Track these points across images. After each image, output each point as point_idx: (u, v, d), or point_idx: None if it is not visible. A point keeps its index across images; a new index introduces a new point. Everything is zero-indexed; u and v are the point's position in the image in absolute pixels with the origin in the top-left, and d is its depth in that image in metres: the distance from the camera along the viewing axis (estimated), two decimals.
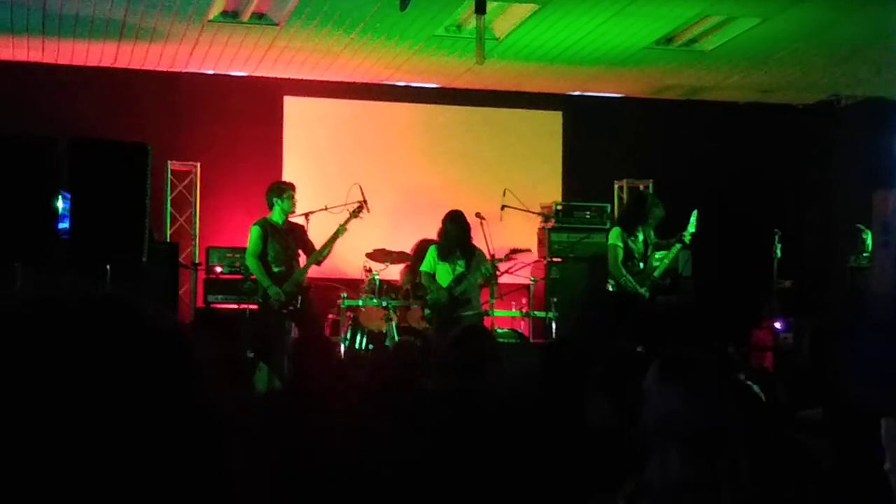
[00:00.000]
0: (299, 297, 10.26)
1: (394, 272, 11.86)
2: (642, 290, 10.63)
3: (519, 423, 4.32)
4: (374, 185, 11.09)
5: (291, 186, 10.46)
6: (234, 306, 11.44)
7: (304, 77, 13.05)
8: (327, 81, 13.16)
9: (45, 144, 9.90)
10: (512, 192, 11.89)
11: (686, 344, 9.57)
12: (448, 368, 5.30)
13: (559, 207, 13.00)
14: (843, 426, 4.92)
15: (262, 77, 13.02)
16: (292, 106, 13.41)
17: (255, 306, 10.90)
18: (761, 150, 14.02)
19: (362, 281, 11.58)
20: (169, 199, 12.63)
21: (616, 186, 13.91)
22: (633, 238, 10.72)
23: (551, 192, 13.65)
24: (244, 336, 8.61)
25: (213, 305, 11.73)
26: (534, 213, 12.49)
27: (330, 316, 11.47)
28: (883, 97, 13.41)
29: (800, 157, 14.02)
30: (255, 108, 13.19)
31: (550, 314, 11.48)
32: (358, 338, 11.12)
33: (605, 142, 13.80)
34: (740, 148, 13.99)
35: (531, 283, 11.93)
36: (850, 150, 13.80)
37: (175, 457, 0.98)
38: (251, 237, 10.32)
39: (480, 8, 9.24)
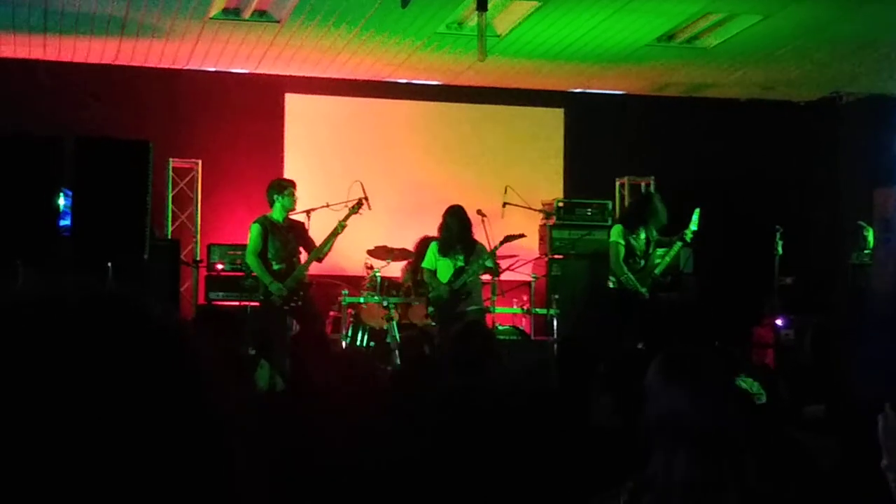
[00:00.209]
0: (301, 294, 10.26)
1: (395, 269, 11.86)
2: (643, 289, 10.62)
3: (520, 420, 4.32)
4: (375, 182, 11.09)
5: (292, 184, 10.45)
6: (236, 303, 11.44)
7: (306, 74, 13.04)
8: (329, 78, 13.16)
9: (46, 142, 9.91)
10: (513, 189, 11.88)
11: (688, 341, 9.57)
12: (449, 365, 5.30)
13: (560, 204, 13.00)
14: (846, 423, 4.92)
15: (263, 74, 13.02)
16: (294, 103, 13.41)
17: (256, 303, 10.91)
18: (763, 147, 14.02)
19: (364, 278, 11.58)
20: (170, 196, 12.63)
21: (617, 183, 13.91)
22: (634, 236, 10.72)
23: (553, 189, 13.65)
24: (246, 333, 8.62)
25: (214, 302, 11.73)
26: (535, 210, 12.49)
27: (331, 313, 11.47)
28: (885, 94, 13.41)
29: (801, 154, 14.01)
30: (256, 105, 13.18)
31: (552, 311, 11.47)
32: (359, 335, 11.12)
33: (607, 139, 13.80)
34: (742, 145, 13.98)
35: (532, 280, 11.92)
36: (852, 147, 13.80)
37: (177, 455, 0.97)
38: (251, 235, 10.32)
39: (482, 5, 9.24)
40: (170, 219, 12.60)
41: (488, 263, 10.49)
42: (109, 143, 10.31)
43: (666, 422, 2.85)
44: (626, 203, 13.76)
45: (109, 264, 9.59)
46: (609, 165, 13.74)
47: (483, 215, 10.75)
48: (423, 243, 11.17)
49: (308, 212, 10.62)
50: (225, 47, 11.84)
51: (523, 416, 4.22)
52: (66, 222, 9.91)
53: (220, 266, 11.98)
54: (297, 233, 10.40)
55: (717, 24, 11.12)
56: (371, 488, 3.65)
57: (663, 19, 10.75)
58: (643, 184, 13.83)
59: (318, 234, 10.46)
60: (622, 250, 10.65)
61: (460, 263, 10.47)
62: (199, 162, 12.78)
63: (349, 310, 11.21)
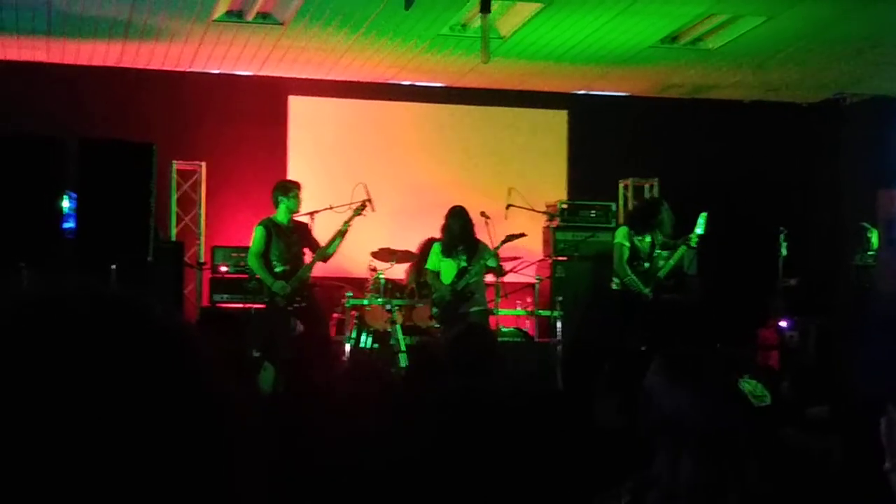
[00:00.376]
0: (305, 295, 10.25)
1: (399, 271, 11.86)
2: (646, 291, 10.62)
3: (524, 421, 4.32)
4: (378, 184, 11.09)
5: (297, 185, 10.45)
6: (240, 306, 11.45)
7: (309, 76, 13.05)
8: (332, 81, 13.16)
9: (50, 144, 9.92)
10: (517, 190, 11.88)
11: (691, 342, 9.57)
12: (449, 367, 5.30)
13: (564, 206, 12.99)
14: (850, 424, 4.91)
15: (267, 76, 13.02)
16: (297, 105, 13.41)
17: (260, 306, 10.91)
18: (766, 149, 14.01)
19: (367, 280, 11.58)
20: (174, 198, 12.63)
21: (621, 185, 13.90)
22: (639, 238, 10.71)
23: (556, 190, 13.65)
24: (250, 335, 8.62)
25: (218, 305, 11.73)
26: (539, 211, 12.48)
27: (335, 315, 11.47)
28: (888, 95, 13.40)
29: (805, 155, 14.00)
30: (259, 107, 13.19)
31: (555, 313, 11.46)
32: (363, 337, 11.12)
33: (611, 140, 13.79)
34: (745, 146, 13.98)
35: (536, 281, 11.92)
36: (856, 149, 13.80)
37: (179, 456, 0.98)
38: (254, 237, 10.32)
39: (485, 7, 9.24)
40: (173, 221, 12.61)
41: (490, 263, 10.48)
42: (113, 146, 10.32)
43: (668, 424, 2.84)
44: (630, 205, 13.76)
45: (113, 267, 9.59)
46: (613, 167, 13.73)
47: (487, 217, 10.75)
48: (427, 245, 11.18)
49: (312, 214, 10.63)
50: (228, 49, 11.85)
51: (527, 418, 4.22)
52: (69, 224, 9.92)
53: (223, 268, 11.98)
54: (302, 234, 10.40)
55: (720, 26, 11.12)
56: (372, 490, 3.65)
57: (667, 21, 10.75)
58: (647, 185, 13.83)
59: (321, 236, 10.46)
60: (626, 252, 10.65)
61: (463, 264, 10.47)
62: (203, 164, 12.78)
63: (353, 312, 11.20)
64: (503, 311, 11.31)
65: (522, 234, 10.74)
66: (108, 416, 0.95)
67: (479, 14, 9.38)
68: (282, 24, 10.88)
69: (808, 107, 14.34)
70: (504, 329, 11.31)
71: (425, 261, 10.86)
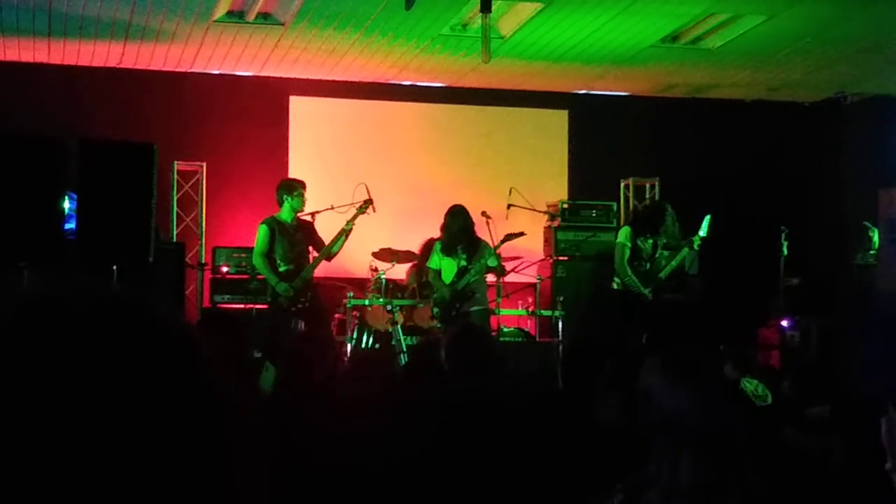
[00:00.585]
0: (308, 295, 10.25)
1: (400, 271, 11.86)
2: (646, 291, 10.62)
3: (524, 420, 4.32)
4: (379, 184, 11.09)
5: (302, 184, 10.44)
6: (241, 306, 11.45)
7: (310, 77, 13.05)
8: (333, 81, 13.17)
9: (51, 145, 9.92)
10: (518, 190, 11.88)
11: (692, 342, 9.57)
12: (448, 367, 5.30)
13: (565, 206, 12.99)
14: (851, 424, 4.91)
15: (267, 77, 13.02)
16: (298, 106, 13.42)
17: (261, 306, 10.90)
18: (767, 148, 14.01)
19: (368, 280, 11.58)
20: (175, 199, 12.64)
21: (622, 185, 13.91)
22: (642, 239, 10.70)
23: (557, 190, 13.65)
24: (251, 336, 8.61)
25: (219, 305, 11.74)
26: (540, 211, 12.49)
27: (336, 315, 11.47)
28: (889, 94, 13.40)
29: (806, 154, 14.00)
30: (260, 108, 13.20)
31: (556, 313, 11.46)
32: (364, 337, 11.12)
33: (611, 140, 13.80)
34: (746, 146, 13.98)
35: (537, 281, 11.92)
36: (857, 148, 13.79)
37: (182, 455, 0.98)
38: (258, 236, 10.32)
39: (486, 7, 9.24)
40: (174, 222, 12.61)
41: (491, 262, 10.46)
42: (114, 146, 10.32)
43: (667, 423, 2.84)
44: (631, 204, 13.77)
45: (114, 267, 9.59)
46: (613, 167, 13.74)
47: (488, 217, 10.75)
48: (428, 245, 11.18)
49: (313, 214, 10.63)
50: (229, 50, 11.85)
51: (526, 417, 4.22)
52: (70, 225, 9.92)
53: (225, 269, 11.99)
54: (306, 233, 10.39)
55: (721, 25, 11.12)
56: (372, 490, 3.65)
57: (667, 20, 10.75)
58: (647, 185, 13.84)
59: (323, 236, 10.46)
60: (627, 252, 10.65)
61: (463, 263, 10.46)
62: (204, 165, 12.79)
63: (354, 312, 11.20)
64: (504, 311, 11.31)
65: (521, 234, 10.73)
66: (110, 415, 0.95)
67: (480, 14, 9.38)
68: (282, 24, 10.88)
69: (808, 106, 14.33)
70: (505, 329, 11.31)
71: (427, 260, 10.86)
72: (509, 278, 11.29)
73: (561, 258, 12.71)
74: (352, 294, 11.21)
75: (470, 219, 10.53)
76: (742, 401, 5.03)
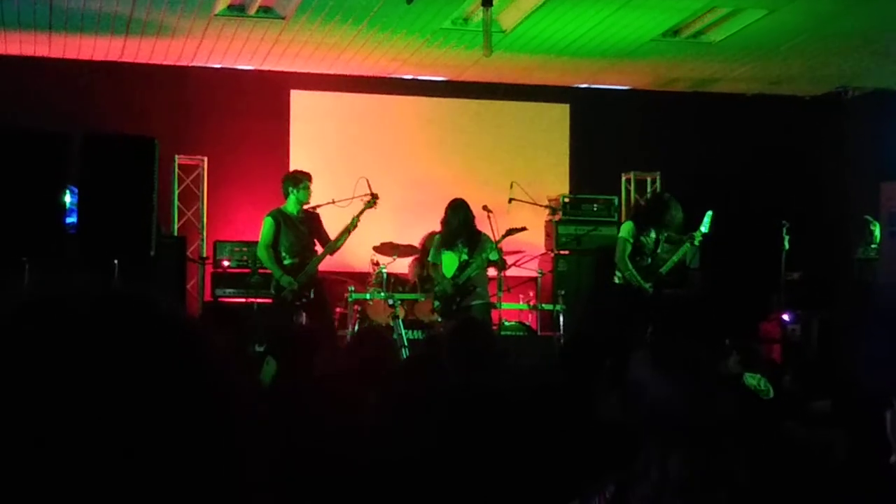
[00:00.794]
0: (312, 289, 10.24)
1: (401, 265, 11.86)
2: (646, 285, 10.61)
3: (524, 415, 4.32)
4: (381, 178, 11.09)
5: (308, 176, 10.40)
6: (242, 300, 11.45)
7: (311, 71, 13.04)
8: (334, 75, 13.16)
9: (51, 139, 9.92)
10: (519, 184, 11.88)
11: (694, 337, 9.56)
12: (448, 361, 5.30)
13: (566, 200, 12.99)
14: (852, 418, 4.92)
15: (268, 71, 13.02)
16: (299, 100, 13.41)
17: (262, 300, 10.89)
18: (769, 142, 13.99)
19: (370, 274, 11.58)
20: (176, 193, 12.64)
21: (623, 179, 13.90)
22: (644, 234, 10.68)
23: (558, 184, 13.64)
24: (252, 330, 8.61)
25: (220, 299, 11.74)
26: (541, 205, 12.48)
27: (338, 309, 11.47)
28: (891, 88, 13.38)
29: (807, 148, 13.99)
30: (262, 102, 13.19)
31: (558, 307, 11.46)
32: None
33: (613, 134, 13.79)
34: (748, 140, 13.96)
35: (538, 275, 11.92)
36: (858, 142, 13.79)
37: (192, 449, 0.98)
38: (263, 228, 10.31)
39: (487, 1, 9.24)
40: (176, 216, 12.61)
41: (492, 256, 10.44)
42: (115, 140, 10.32)
43: (656, 416, 2.83)
44: (633, 199, 13.77)
45: (115, 261, 9.59)
46: (615, 161, 13.73)
47: (489, 211, 10.74)
48: (429, 239, 11.18)
49: (314, 208, 10.62)
50: (230, 44, 11.85)
51: (527, 412, 4.22)
52: (72, 219, 9.92)
53: (226, 263, 11.98)
54: (312, 225, 10.36)
55: (722, 19, 11.11)
56: (371, 484, 3.66)
57: (669, 14, 10.74)
58: (649, 179, 13.83)
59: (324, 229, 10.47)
60: (629, 247, 10.64)
61: (464, 257, 10.45)
62: (205, 159, 12.78)
63: (355, 306, 11.21)
64: (506, 305, 11.31)
65: (523, 228, 10.72)
66: (120, 412, 0.95)
67: (481, 8, 9.38)
68: (283, 18, 10.87)
69: (810, 100, 14.32)
70: (506, 323, 11.31)
71: (427, 254, 10.86)
72: (510, 272, 11.29)
73: (562, 252, 12.71)
74: (353, 288, 11.22)
75: (470, 212, 10.51)
76: (745, 395, 5.03)
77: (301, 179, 10.36)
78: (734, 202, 12.79)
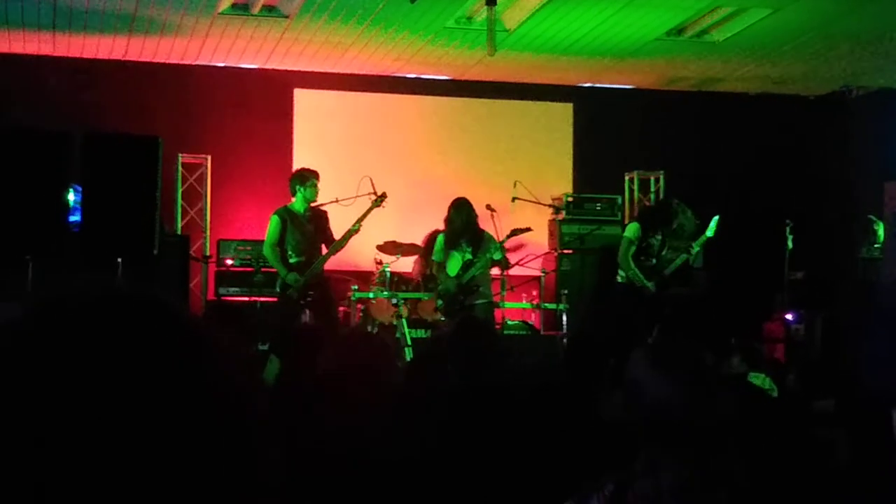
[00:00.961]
0: (317, 288, 10.21)
1: (404, 264, 11.86)
2: (649, 284, 10.60)
3: (527, 414, 4.32)
4: (384, 177, 11.08)
5: (315, 174, 10.37)
6: (245, 299, 11.45)
7: (315, 69, 13.05)
8: (337, 74, 13.16)
9: (55, 138, 9.92)
10: (522, 183, 11.88)
11: (697, 336, 9.55)
12: (451, 360, 5.30)
13: (570, 199, 12.99)
14: (856, 417, 4.91)
15: (272, 70, 13.03)
16: (303, 98, 13.41)
17: (265, 298, 10.89)
18: (772, 142, 13.99)
19: (373, 273, 11.58)
20: (180, 191, 12.64)
21: (627, 178, 13.90)
22: (650, 235, 10.66)
23: (562, 183, 13.64)
24: (255, 328, 8.61)
25: (224, 298, 11.74)
26: (544, 204, 12.48)
27: (341, 308, 11.48)
28: (894, 88, 13.37)
29: (811, 148, 13.98)
30: (265, 100, 13.19)
31: (561, 306, 11.46)
32: (369, 330, 11.11)
33: (616, 133, 13.78)
34: (751, 139, 13.96)
35: (542, 274, 11.91)
36: (862, 142, 13.77)
37: (207, 452, 0.98)
38: (269, 226, 10.29)
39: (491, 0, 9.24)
40: (179, 214, 12.62)
41: (496, 256, 10.44)
42: (119, 139, 10.32)
43: (653, 415, 2.82)
44: (636, 198, 13.76)
45: (119, 260, 9.60)
46: (618, 160, 13.73)
47: (492, 210, 10.73)
48: (433, 237, 11.17)
49: (320, 206, 10.61)
50: (234, 43, 11.85)
51: (528, 410, 4.22)
52: (75, 218, 9.92)
53: (229, 261, 11.99)
54: (319, 224, 10.33)
55: (726, 19, 11.11)
56: (373, 482, 3.66)
57: (672, 13, 10.74)
58: (652, 178, 13.83)
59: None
60: (633, 248, 10.62)
61: (468, 256, 10.45)
62: (209, 157, 12.79)
63: (358, 305, 11.21)
64: (509, 305, 11.31)
65: (528, 229, 10.72)
66: (134, 412, 0.96)
67: (485, 6, 9.38)
68: (287, 17, 10.88)
69: (814, 99, 14.31)
70: (510, 322, 11.31)
71: (431, 253, 10.85)
72: (514, 271, 11.28)
73: (565, 251, 12.71)
74: (356, 287, 11.21)
75: (473, 211, 10.50)
76: (750, 394, 5.02)
77: (308, 177, 10.34)
78: (737, 202, 12.79)
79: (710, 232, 10.70)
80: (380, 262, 11.49)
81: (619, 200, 13.26)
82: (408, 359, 9.85)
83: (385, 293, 11.11)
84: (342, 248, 10.34)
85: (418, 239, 11.80)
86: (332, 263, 10.91)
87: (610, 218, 12.92)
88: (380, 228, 11.53)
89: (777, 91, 13.98)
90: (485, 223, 10.61)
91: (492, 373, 5.11)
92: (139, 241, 9.81)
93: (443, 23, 11.04)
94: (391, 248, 11.68)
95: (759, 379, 6.11)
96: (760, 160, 13.77)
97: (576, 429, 4.10)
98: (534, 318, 12.01)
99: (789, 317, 11.71)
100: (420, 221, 12.10)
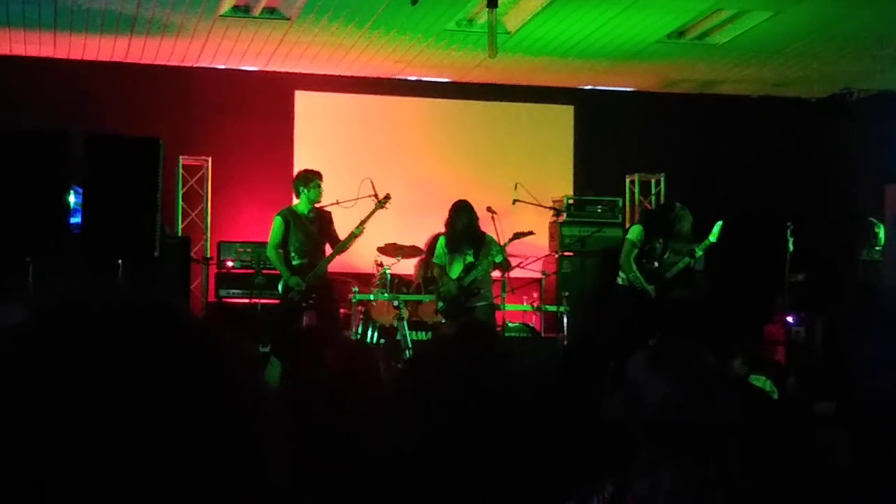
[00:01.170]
0: (319, 290, 10.20)
1: (405, 266, 11.86)
2: (649, 288, 10.60)
3: (527, 416, 4.32)
4: (385, 179, 11.08)
5: (318, 175, 10.36)
6: (246, 301, 11.45)
7: (316, 72, 13.05)
8: (338, 76, 13.17)
9: (56, 139, 9.93)
10: (523, 186, 11.87)
11: (698, 338, 9.56)
12: (453, 363, 5.30)
13: (571, 201, 12.99)
14: (856, 419, 4.91)
15: (273, 72, 13.03)
16: (303, 100, 13.42)
17: (266, 300, 10.88)
18: (774, 144, 13.99)
19: (374, 275, 11.58)
20: (180, 193, 12.65)
21: (627, 180, 13.90)
22: (653, 240, 10.66)
23: (563, 186, 13.64)
24: (257, 330, 8.60)
25: (224, 300, 11.74)
26: (545, 207, 12.48)
27: (342, 310, 11.48)
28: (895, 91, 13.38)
29: (812, 150, 13.98)
30: (266, 102, 13.20)
31: (562, 308, 11.46)
32: (369, 332, 11.12)
33: (617, 136, 13.78)
34: (752, 141, 13.96)
35: (542, 277, 11.91)
36: (863, 144, 13.77)
37: (215, 457, 0.98)
38: (273, 228, 10.29)
39: (492, 2, 9.24)
40: (180, 216, 12.62)
41: (497, 259, 10.43)
42: (120, 141, 10.33)
43: (652, 417, 2.82)
44: (637, 200, 13.77)
45: (119, 262, 9.60)
46: (619, 162, 13.73)
47: (493, 212, 10.72)
48: (434, 240, 11.17)
49: (321, 208, 10.62)
50: (235, 45, 11.86)
51: (529, 412, 4.22)
52: (76, 220, 9.93)
53: (230, 263, 11.99)
54: (323, 224, 10.32)
55: (727, 21, 11.11)
56: (373, 484, 3.66)
57: (673, 16, 10.74)
58: (653, 180, 13.83)
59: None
60: (635, 251, 10.62)
61: (470, 259, 10.45)
62: (210, 159, 12.79)
63: (359, 307, 11.21)
64: (509, 307, 11.30)
65: (530, 233, 10.72)
66: (146, 418, 0.96)
67: (486, 9, 9.38)
68: (288, 19, 10.88)
69: (815, 102, 14.31)
70: (510, 324, 11.31)
71: (432, 256, 10.85)
72: (514, 273, 11.28)
73: (566, 253, 12.71)
74: (357, 289, 11.21)
75: (474, 214, 10.50)
76: (753, 396, 5.02)
77: (312, 178, 10.33)
78: (738, 204, 12.78)
79: (713, 237, 10.69)
80: (380, 265, 11.49)
81: (620, 203, 13.26)
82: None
83: (386, 295, 11.10)
84: (346, 249, 10.33)
85: (419, 241, 11.80)
86: (332, 265, 10.91)
87: (611, 220, 12.92)
88: (380, 230, 11.52)
89: (778, 94, 13.98)
90: (485, 225, 10.60)
91: (492, 375, 5.11)
92: (140, 243, 9.81)
93: (444, 25, 11.05)
94: (392, 250, 11.68)
95: (759, 381, 6.12)
96: (761, 163, 13.77)
97: (576, 431, 4.11)
98: (534, 321, 12.01)
99: (790, 319, 11.71)
100: (421, 223, 12.10)
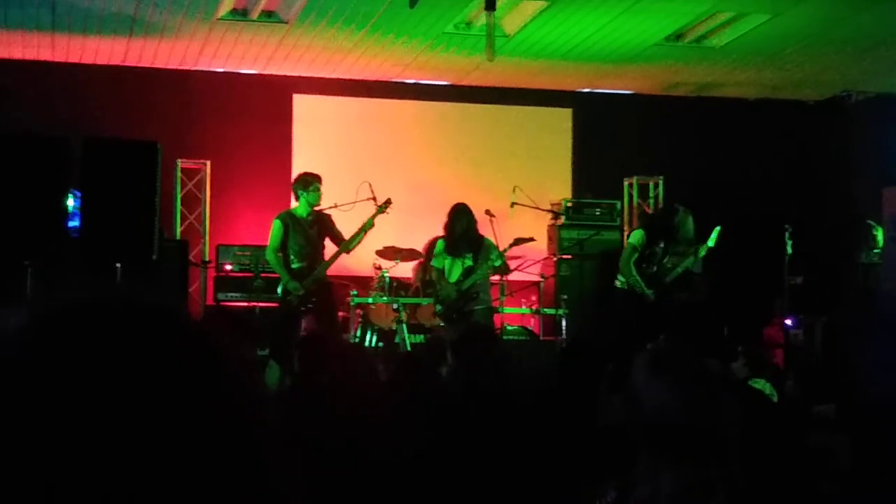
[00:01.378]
0: (319, 294, 10.18)
1: (403, 270, 11.85)
2: (648, 291, 10.59)
3: (526, 418, 4.31)
4: (383, 182, 11.08)
5: (317, 178, 10.33)
6: (245, 304, 11.45)
7: (314, 75, 13.05)
8: (337, 79, 13.16)
9: (54, 143, 9.93)
10: (522, 189, 11.87)
11: (697, 341, 9.56)
12: (453, 366, 5.30)
13: (569, 204, 12.99)
14: (856, 422, 4.91)
15: (271, 75, 13.02)
16: (302, 104, 13.41)
17: (264, 304, 10.87)
18: (772, 147, 13.99)
19: (372, 278, 11.57)
20: (179, 197, 12.64)
21: (626, 183, 13.90)
22: (654, 245, 10.65)
23: (561, 189, 13.64)
24: (254, 334, 8.60)
25: (223, 303, 11.73)
26: (543, 210, 12.47)
27: (340, 314, 11.46)
28: (894, 93, 13.38)
29: (811, 153, 13.98)
30: (264, 106, 13.19)
31: (560, 311, 11.46)
32: (368, 336, 11.11)
33: (615, 139, 13.78)
34: (751, 144, 13.96)
35: (541, 280, 11.91)
36: (862, 147, 13.78)
37: (221, 461, 0.98)
38: (272, 231, 10.25)
39: (490, 5, 9.24)
40: (178, 219, 12.61)
41: (496, 263, 10.43)
42: (118, 144, 10.33)
43: (651, 421, 2.82)
44: (635, 203, 13.77)
45: (118, 265, 9.60)
46: (617, 165, 13.73)
47: (491, 215, 10.72)
48: (433, 244, 11.16)
49: (320, 210, 10.61)
50: (233, 48, 11.85)
51: (530, 416, 4.22)
52: (74, 223, 9.93)
53: (228, 266, 11.99)
54: (323, 226, 10.30)
55: (725, 24, 11.11)
56: (374, 487, 3.66)
57: (671, 19, 10.74)
58: (651, 183, 13.83)
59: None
60: (636, 255, 10.60)
61: (469, 262, 10.43)
62: (208, 163, 12.79)
63: (358, 310, 11.20)
64: (508, 310, 11.30)
65: (531, 239, 10.73)
66: (149, 419, 0.96)
67: (484, 12, 9.38)
68: (286, 22, 10.88)
69: (813, 105, 14.32)
70: (509, 327, 11.30)
71: (431, 259, 10.84)
72: (513, 277, 11.28)
73: (564, 256, 12.70)
74: (356, 292, 11.20)
75: (473, 218, 10.48)
76: (753, 399, 5.02)
77: (311, 182, 10.30)
78: (737, 207, 12.78)
79: (711, 242, 10.69)
80: (379, 268, 11.49)
81: (619, 206, 13.26)
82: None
83: (384, 298, 11.10)
84: (354, 247, 10.29)
85: (418, 244, 11.79)
86: (332, 269, 10.90)
87: (609, 223, 12.91)
88: (379, 234, 11.52)
89: (776, 96, 13.98)
90: (484, 228, 10.59)
91: (491, 378, 5.11)
92: (138, 247, 9.82)
93: (442, 28, 11.05)
94: (390, 253, 11.68)
95: (759, 384, 6.12)
96: (760, 165, 13.78)
97: (575, 433, 4.10)
98: (533, 324, 12.01)
99: (789, 322, 11.72)
100: (419, 227, 12.08)
